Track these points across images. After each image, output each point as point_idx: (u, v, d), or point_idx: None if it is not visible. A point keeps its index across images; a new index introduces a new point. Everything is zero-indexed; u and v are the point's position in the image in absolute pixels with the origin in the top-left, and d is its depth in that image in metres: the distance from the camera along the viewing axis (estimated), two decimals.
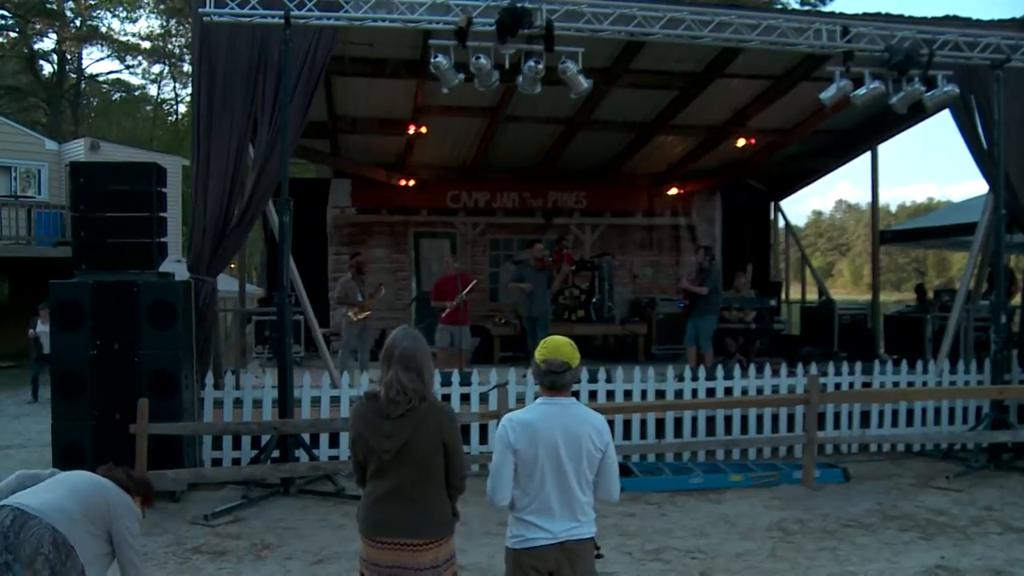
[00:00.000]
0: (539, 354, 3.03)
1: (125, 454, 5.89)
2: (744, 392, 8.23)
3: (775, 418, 8.19)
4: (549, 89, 7.58)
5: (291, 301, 6.99)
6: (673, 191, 14.31)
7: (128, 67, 35.13)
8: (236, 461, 7.28)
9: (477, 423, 7.46)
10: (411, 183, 13.20)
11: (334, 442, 7.47)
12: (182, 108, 36.11)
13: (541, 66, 7.13)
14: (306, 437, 7.11)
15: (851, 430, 8.29)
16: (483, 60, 7.07)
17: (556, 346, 3.03)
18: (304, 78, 7.21)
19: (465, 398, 7.67)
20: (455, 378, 7.73)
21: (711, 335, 9.82)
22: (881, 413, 8.40)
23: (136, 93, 37.14)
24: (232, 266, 12.21)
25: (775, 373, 8.39)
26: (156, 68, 35.90)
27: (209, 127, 7.16)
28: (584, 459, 2.96)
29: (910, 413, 8.48)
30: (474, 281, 9.80)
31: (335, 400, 7.55)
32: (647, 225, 14.58)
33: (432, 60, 7.15)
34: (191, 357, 6.78)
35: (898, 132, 12.49)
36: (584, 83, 7.41)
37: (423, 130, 11.43)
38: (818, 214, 71.95)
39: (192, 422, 6.73)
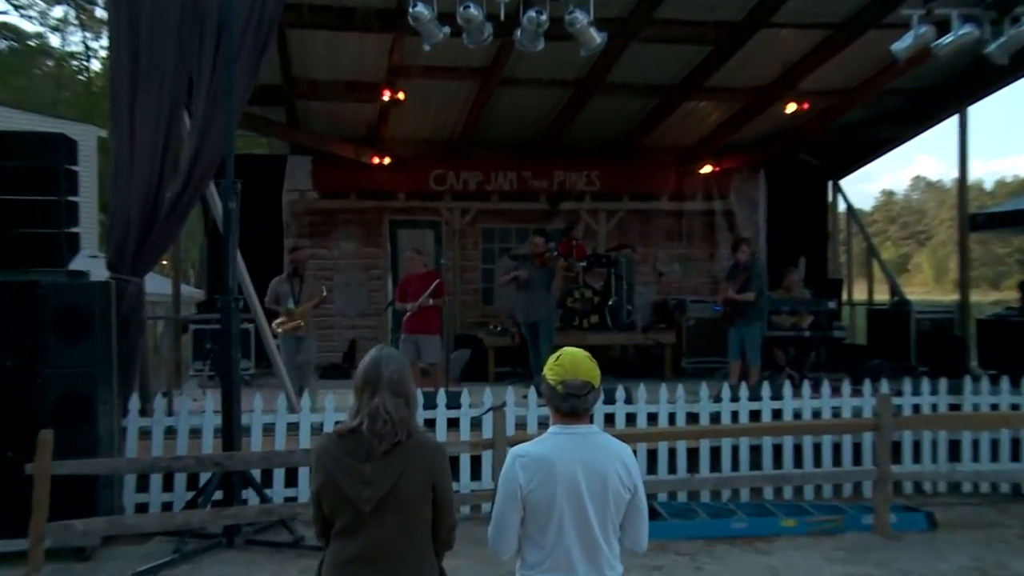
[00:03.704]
0: (553, 373, 2.96)
1: (20, 501, 5.78)
2: (797, 415, 8.20)
3: (837, 448, 8.16)
4: (554, 45, 7.59)
5: (238, 306, 6.96)
6: (707, 169, 14.34)
7: (19, 8, 34.68)
8: (167, 506, 7.24)
9: (468, 454, 7.45)
10: (386, 161, 13.23)
11: (291, 479, 7.44)
12: (95, 65, 35.90)
13: (544, 17, 7.13)
14: (256, 474, 7.06)
15: (936, 464, 8.25)
16: (473, 10, 7.09)
17: (574, 363, 2.97)
18: (252, 30, 7.19)
19: (453, 423, 7.67)
20: (440, 399, 7.71)
21: (759, 345, 9.83)
22: (976, 443, 8.35)
23: (32, 43, 36.67)
24: (164, 263, 12.18)
25: (835, 392, 8.38)
26: (58, 11, 35.42)
27: (132, 89, 7.13)
28: (611, 501, 2.92)
29: (1015, 444, 8.41)
30: (437, 281, 9.55)
31: (292, 427, 7.53)
32: (675, 211, 14.63)
33: (411, 10, 7.15)
34: (110, 376, 6.75)
35: (995, 91, 12.42)
36: (597, 38, 7.44)
37: (400, 96, 11.42)
38: (889, 195, 72.55)
39: (110, 458, 6.65)
